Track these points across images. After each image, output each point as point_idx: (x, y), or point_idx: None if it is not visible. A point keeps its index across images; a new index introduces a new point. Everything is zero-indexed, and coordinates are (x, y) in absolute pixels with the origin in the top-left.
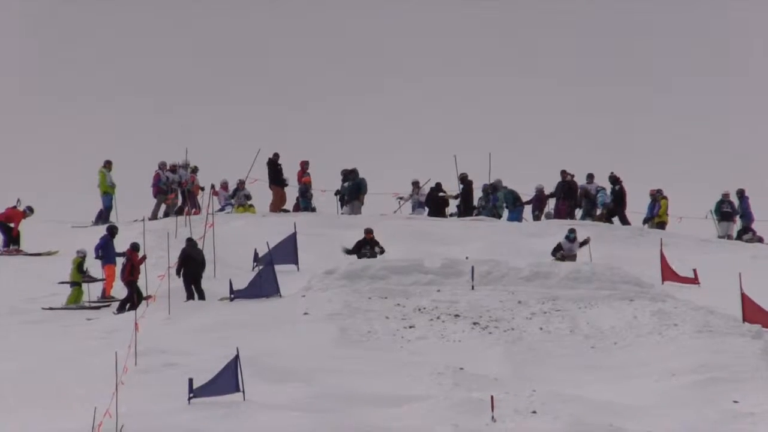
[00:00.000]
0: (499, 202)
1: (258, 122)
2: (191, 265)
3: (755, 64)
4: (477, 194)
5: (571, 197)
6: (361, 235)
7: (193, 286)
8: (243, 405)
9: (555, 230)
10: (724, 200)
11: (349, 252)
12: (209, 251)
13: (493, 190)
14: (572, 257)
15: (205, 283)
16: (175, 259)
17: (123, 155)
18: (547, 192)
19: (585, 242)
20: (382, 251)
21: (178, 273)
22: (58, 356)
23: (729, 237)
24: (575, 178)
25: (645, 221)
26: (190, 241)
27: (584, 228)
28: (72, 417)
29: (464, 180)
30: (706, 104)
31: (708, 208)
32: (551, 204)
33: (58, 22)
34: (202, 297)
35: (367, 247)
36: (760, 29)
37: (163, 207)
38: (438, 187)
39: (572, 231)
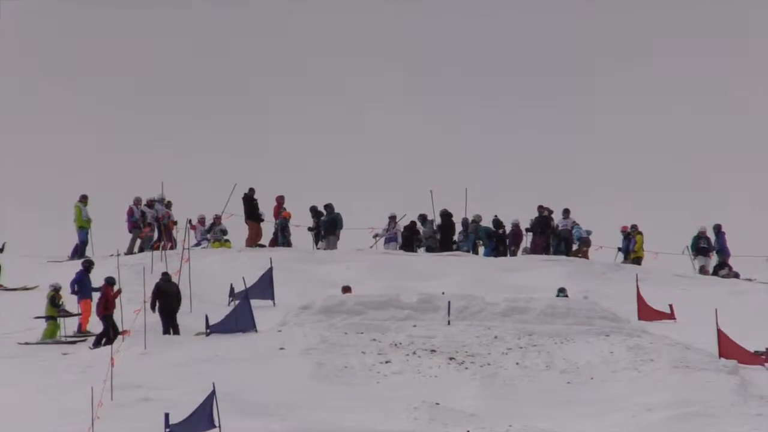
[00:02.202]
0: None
1: (233, 157)
2: (165, 299)
3: (735, 97)
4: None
5: (547, 232)
6: (338, 273)
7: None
8: None
9: (532, 265)
10: (701, 236)
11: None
12: (185, 286)
13: (475, 226)
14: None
15: (181, 318)
16: (150, 293)
17: (98, 190)
18: (523, 227)
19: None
20: None
21: (152, 307)
22: (34, 391)
23: (705, 272)
24: (552, 215)
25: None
26: (165, 275)
27: (560, 263)
28: None
29: (444, 215)
30: (683, 139)
31: (684, 244)
32: (528, 239)
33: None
34: (176, 332)
35: None
36: (738, 65)
37: (138, 242)
38: (413, 225)
39: (562, 290)
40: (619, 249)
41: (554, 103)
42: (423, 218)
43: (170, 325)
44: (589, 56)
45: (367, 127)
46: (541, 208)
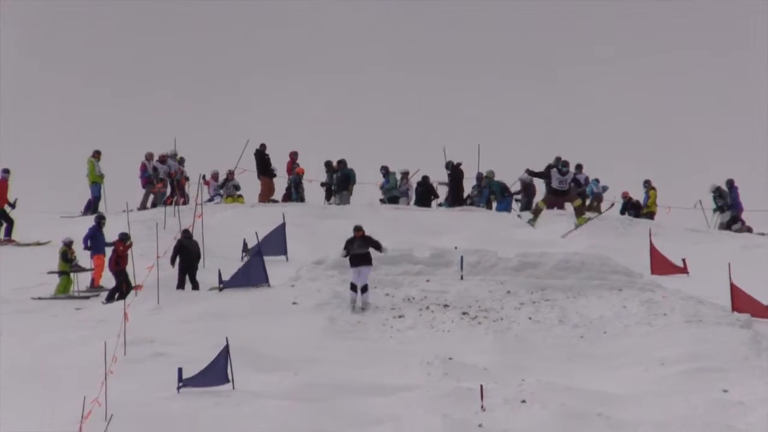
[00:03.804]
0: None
1: (246, 113)
2: (186, 256)
3: (750, 55)
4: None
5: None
6: (349, 228)
7: (188, 276)
8: (232, 394)
9: (544, 220)
10: (719, 193)
11: (344, 255)
12: (198, 241)
13: (488, 181)
14: (570, 197)
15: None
16: (164, 249)
17: (111, 145)
18: (535, 183)
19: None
20: (383, 248)
21: (172, 263)
22: (47, 346)
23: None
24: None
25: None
26: (186, 233)
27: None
28: (61, 406)
29: (453, 167)
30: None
31: (697, 198)
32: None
33: (45, 15)
34: (196, 287)
35: (357, 242)
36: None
37: (151, 197)
38: (425, 180)
39: (565, 164)
40: (622, 213)
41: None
42: (385, 170)
43: (188, 281)
44: (601, 7)
45: (382, 84)
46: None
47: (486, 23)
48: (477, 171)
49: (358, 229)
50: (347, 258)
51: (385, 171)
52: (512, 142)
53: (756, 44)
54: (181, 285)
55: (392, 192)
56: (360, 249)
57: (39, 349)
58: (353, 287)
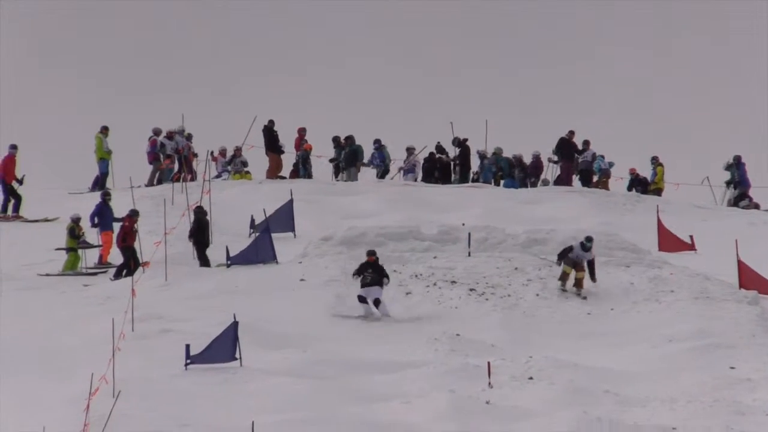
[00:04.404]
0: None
1: (254, 89)
2: (203, 232)
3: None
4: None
5: (570, 156)
6: (356, 205)
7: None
8: (240, 371)
9: (552, 197)
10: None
11: (354, 275)
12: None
13: (495, 158)
14: (580, 270)
15: None
16: (171, 225)
17: (119, 121)
18: (544, 159)
19: (592, 274)
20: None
21: (191, 237)
22: (55, 322)
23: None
24: (574, 137)
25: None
26: (201, 209)
27: (580, 194)
28: (69, 382)
29: (460, 143)
30: (705, 71)
31: (705, 175)
32: (548, 171)
33: None
34: (207, 264)
35: (369, 270)
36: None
37: (157, 173)
38: (431, 156)
39: (590, 240)
40: (629, 189)
41: (577, 34)
42: (378, 144)
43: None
44: None
45: (389, 59)
46: (570, 133)
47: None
48: (483, 147)
49: (371, 254)
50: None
51: (378, 144)
52: (520, 117)
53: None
54: (205, 263)
55: (381, 165)
56: (372, 279)
57: (47, 326)
58: (362, 299)
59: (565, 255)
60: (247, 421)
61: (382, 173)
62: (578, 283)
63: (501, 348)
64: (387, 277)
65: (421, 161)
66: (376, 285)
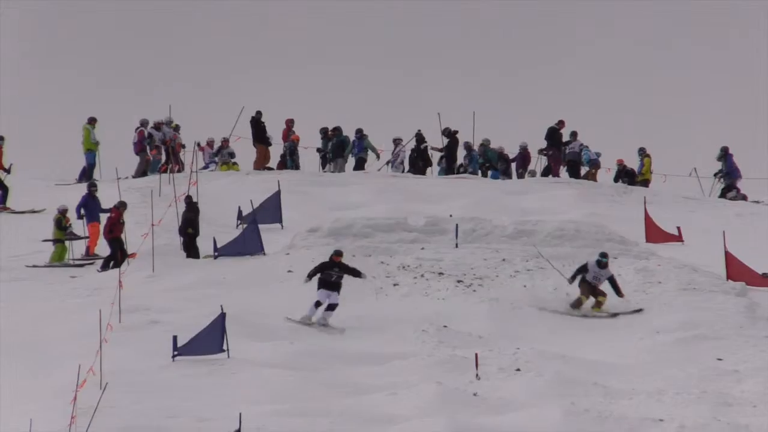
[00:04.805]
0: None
1: (241, 80)
2: (193, 222)
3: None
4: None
5: (557, 145)
6: (344, 196)
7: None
8: (227, 362)
9: (539, 188)
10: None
11: (310, 276)
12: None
13: (483, 149)
14: (597, 290)
15: None
16: (159, 217)
17: (106, 112)
18: (531, 150)
19: (617, 291)
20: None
21: (185, 228)
22: (42, 314)
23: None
24: (563, 128)
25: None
26: (189, 200)
27: (568, 186)
28: (56, 374)
29: (449, 134)
30: (693, 62)
31: (692, 166)
32: (535, 162)
33: None
34: (196, 255)
35: (335, 269)
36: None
37: (145, 165)
38: (418, 147)
39: (604, 255)
40: (615, 181)
41: (563, 25)
42: (359, 133)
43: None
44: None
45: (376, 50)
46: (559, 122)
47: None
48: (471, 139)
49: (338, 253)
50: (310, 280)
51: (359, 134)
52: (507, 108)
53: (754, 8)
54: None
55: (362, 154)
56: (337, 277)
57: (34, 318)
58: (318, 305)
59: (579, 274)
60: (235, 412)
61: (360, 163)
62: (597, 305)
63: (488, 339)
64: (359, 274)
65: (408, 152)
66: (337, 291)
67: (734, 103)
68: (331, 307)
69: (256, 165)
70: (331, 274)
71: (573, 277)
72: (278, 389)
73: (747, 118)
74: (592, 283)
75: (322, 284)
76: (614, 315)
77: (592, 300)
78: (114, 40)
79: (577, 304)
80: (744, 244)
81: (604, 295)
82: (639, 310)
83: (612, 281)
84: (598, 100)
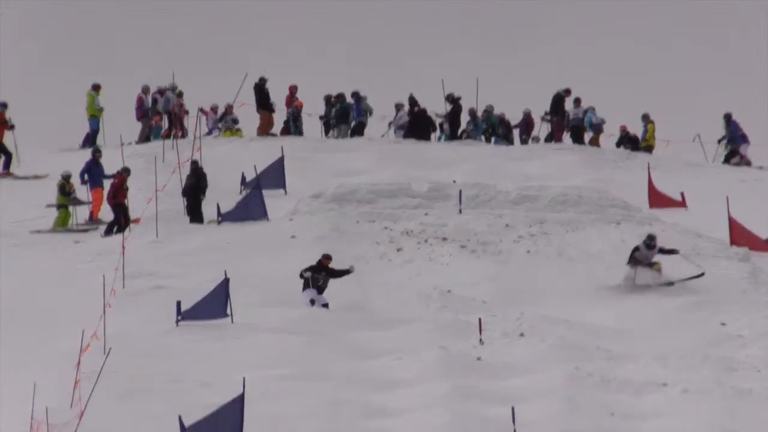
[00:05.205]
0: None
1: (245, 46)
2: (199, 186)
3: None
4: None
5: (561, 113)
6: (347, 162)
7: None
8: (231, 327)
9: (543, 154)
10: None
11: (302, 276)
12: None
13: (487, 115)
14: (655, 268)
15: None
16: (162, 183)
17: (111, 78)
18: (535, 116)
19: (672, 252)
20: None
21: (188, 195)
22: (46, 279)
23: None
24: (569, 96)
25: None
26: (195, 165)
27: (571, 152)
28: (60, 339)
29: (453, 100)
30: (698, 27)
31: (696, 132)
32: (538, 128)
33: None
34: (200, 219)
35: (322, 273)
36: None
37: (148, 131)
38: (424, 112)
39: (652, 238)
40: (618, 146)
41: None
42: (356, 96)
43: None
44: None
45: (380, 15)
46: (566, 91)
47: None
48: (474, 105)
49: (327, 257)
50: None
51: (356, 97)
52: (510, 75)
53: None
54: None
55: (363, 118)
56: (323, 282)
57: (37, 283)
58: (312, 303)
59: (633, 256)
60: (239, 376)
61: (359, 127)
62: (657, 271)
63: (492, 304)
64: (346, 272)
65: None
66: (322, 293)
67: (740, 68)
68: (325, 306)
69: (259, 131)
70: (317, 278)
71: (630, 262)
72: (282, 354)
73: (753, 85)
74: (644, 264)
75: (307, 285)
76: (670, 284)
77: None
78: (117, 4)
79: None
80: (747, 210)
81: (657, 263)
82: (701, 275)
83: (663, 251)
84: (603, 65)
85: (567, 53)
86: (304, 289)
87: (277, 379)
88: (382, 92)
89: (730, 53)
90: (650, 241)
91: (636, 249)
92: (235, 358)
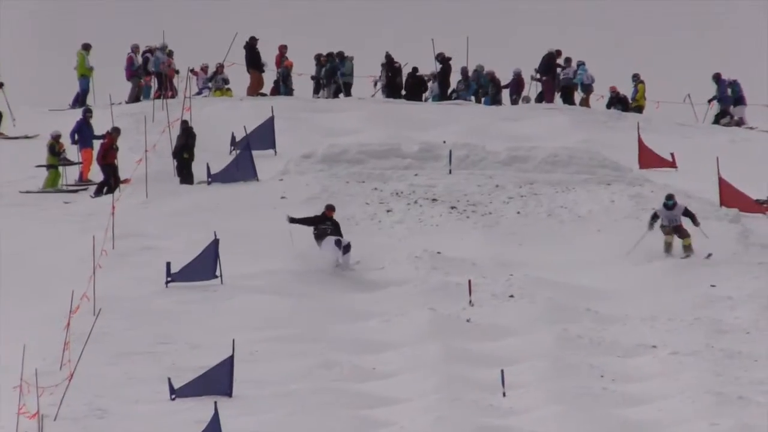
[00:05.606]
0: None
1: (235, 5)
2: (189, 147)
3: None
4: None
5: (552, 72)
6: (337, 122)
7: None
8: (220, 288)
9: (533, 114)
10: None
11: (295, 220)
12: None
13: (477, 75)
14: (680, 230)
15: None
16: (152, 143)
17: (99, 38)
18: (525, 76)
19: (695, 219)
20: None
21: (178, 156)
22: (36, 240)
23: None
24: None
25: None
26: (185, 125)
27: (561, 112)
28: (49, 300)
29: (443, 59)
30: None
31: (686, 92)
32: (529, 88)
33: None
34: (191, 180)
35: (327, 223)
36: None
37: (138, 90)
38: (414, 71)
39: (670, 197)
40: (608, 107)
41: None
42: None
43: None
44: None
45: None
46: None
47: None
48: (464, 65)
49: (330, 208)
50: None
51: (341, 57)
52: (501, 35)
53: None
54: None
55: (348, 78)
56: (331, 231)
57: (27, 243)
58: (337, 243)
59: (654, 221)
60: (228, 338)
61: (346, 88)
62: (686, 249)
63: (482, 266)
64: (342, 236)
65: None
66: (338, 236)
67: (732, 28)
68: (347, 249)
69: (249, 91)
70: (325, 228)
71: (650, 225)
72: (271, 315)
73: (746, 44)
74: (670, 226)
75: (323, 235)
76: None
77: (678, 240)
78: None
79: (667, 249)
80: (737, 171)
81: (687, 235)
82: (709, 256)
83: (687, 213)
84: (593, 25)
85: (557, 12)
86: (320, 242)
87: (266, 340)
88: (372, 52)
89: (723, 12)
90: (669, 201)
91: (655, 216)
92: (225, 320)
